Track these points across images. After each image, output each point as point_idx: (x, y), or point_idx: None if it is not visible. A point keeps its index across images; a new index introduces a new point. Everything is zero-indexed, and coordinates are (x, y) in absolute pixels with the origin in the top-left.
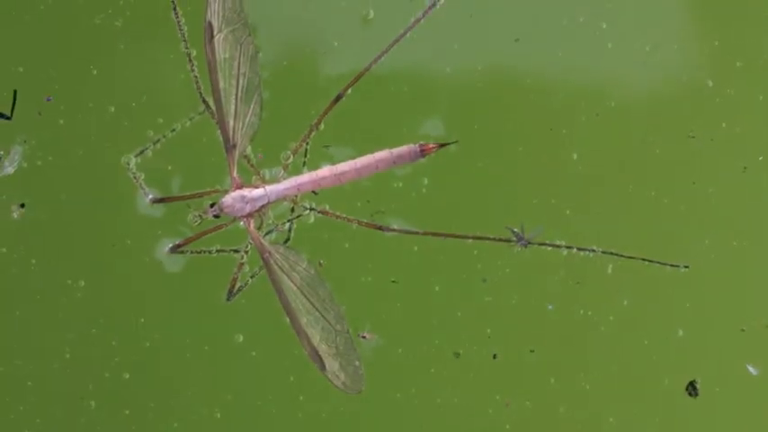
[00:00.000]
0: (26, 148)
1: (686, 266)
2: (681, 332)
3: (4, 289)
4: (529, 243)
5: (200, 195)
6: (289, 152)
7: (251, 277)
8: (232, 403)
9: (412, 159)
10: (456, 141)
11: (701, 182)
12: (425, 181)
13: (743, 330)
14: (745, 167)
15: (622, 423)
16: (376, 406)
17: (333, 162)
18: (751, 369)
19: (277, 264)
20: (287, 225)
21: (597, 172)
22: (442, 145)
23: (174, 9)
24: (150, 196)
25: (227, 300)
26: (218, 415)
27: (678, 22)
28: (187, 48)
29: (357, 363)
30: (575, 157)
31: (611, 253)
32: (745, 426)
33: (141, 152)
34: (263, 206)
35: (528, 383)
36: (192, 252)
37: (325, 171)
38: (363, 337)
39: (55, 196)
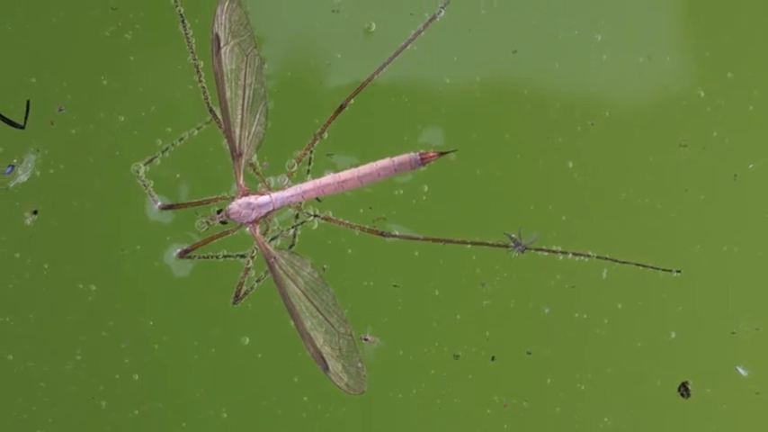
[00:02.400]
0: (39, 157)
1: (678, 271)
2: (673, 335)
3: (18, 293)
4: (526, 248)
5: (208, 202)
6: (293, 160)
7: (257, 282)
8: (238, 403)
9: (413, 167)
10: (455, 150)
11: (693, 189)
12: (425, 188)
13: (733, 333)
14: (735, 175)
15: (617, 423)
16: (378, 406)
17: (336, 170)
18: (741, 371)
19: (282, 268)
20: (291, 231)
21: (592, 179)
22: (442, 153)
23: (183, 22)
24: (159, 203)
25: (234, 303)
26: (225, 415)
27: (670, 34)
28: (195, 59)
29: (359, 364)
30: (570, 165)
31: (606, 258)
32: (735, 426)
33: (150, 160)
34: (268, 213)
35: (525, 384)
36: (199, 257)
37: (328, 179)
38: (365, 340)
39: (67, 203)
